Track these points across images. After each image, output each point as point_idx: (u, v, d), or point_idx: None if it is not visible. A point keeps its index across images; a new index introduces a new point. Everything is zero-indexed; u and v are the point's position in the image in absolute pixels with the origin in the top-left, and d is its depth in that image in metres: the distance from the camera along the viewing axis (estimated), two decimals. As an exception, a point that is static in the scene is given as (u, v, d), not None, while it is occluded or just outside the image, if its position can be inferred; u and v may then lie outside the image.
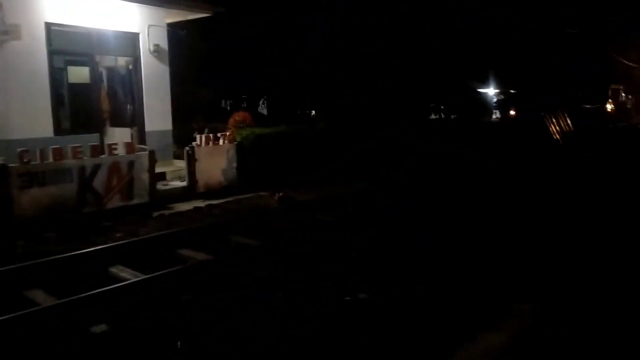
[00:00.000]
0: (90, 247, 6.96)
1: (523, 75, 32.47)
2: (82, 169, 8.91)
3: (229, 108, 26.54)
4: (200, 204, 10.22)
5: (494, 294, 5.30)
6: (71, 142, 9.30)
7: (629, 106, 50.05)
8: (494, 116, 36.09)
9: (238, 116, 14.30)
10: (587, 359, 4.14)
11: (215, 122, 15.05)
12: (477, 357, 4.17)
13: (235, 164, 11.77)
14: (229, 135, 12.06)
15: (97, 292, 5.37)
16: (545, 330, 4.55)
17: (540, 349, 4.25)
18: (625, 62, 36.57)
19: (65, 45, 11.20)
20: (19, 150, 8.41)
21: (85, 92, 11.63)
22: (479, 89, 35.90)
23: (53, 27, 10.70)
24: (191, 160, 10.95)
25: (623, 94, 51.46)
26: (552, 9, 29.25)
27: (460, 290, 5.42)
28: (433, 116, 34.42)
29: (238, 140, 12.18)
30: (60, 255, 6.58)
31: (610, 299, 5.01)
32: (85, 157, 9.04)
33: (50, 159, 8.62)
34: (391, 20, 22.85)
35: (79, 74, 11.82)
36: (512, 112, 33.42)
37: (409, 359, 4.24)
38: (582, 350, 4.21)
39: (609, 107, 44.85)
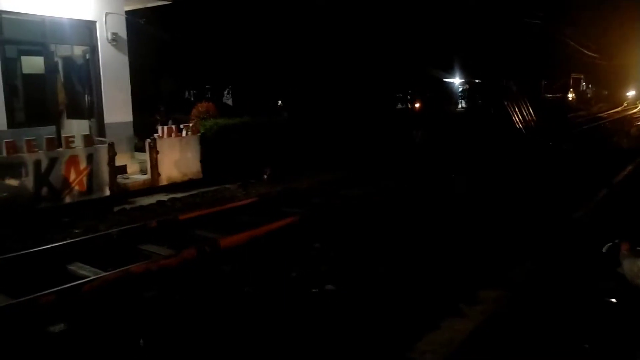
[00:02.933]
0: (47, 244, 6.74)
1: (487, 64, 32.89)
2: (37, 163, 8.63)
3: (192, 98, 26.12)
4: (163, 197, 10.01)
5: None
6: (26, 135, 8.99)
7: (589, 95, 51.68)
8: (459, 106, 36.49)
9: (201, 107, 14.06)
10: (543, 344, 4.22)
11: (178, 113, 14.75)
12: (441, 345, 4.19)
13: (198, 156, 11.56)
14: (192, 126, 11.82)
15: (54, 291, 5.20)
16: (507, 316, 4.63)
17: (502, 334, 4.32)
18: (586, 52, 37.51)
19: (18, 34, 10.76)
20: (-30, 144, 8.09)
21: (40, 82, 11.20)
22: (445, 78, 36.19)
23: (4, 15, 10.23)
24: (153, 153, 10.71)
25: (584, 84, 53.00)
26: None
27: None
28: (399, 106, 34.55)
29: (201, 131, 11.96)
30: (16, 253, 6.37)
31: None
32: (40, 151, 8.74)
33: (4, 153, 8.33)
34: (356, 7, 22.78)
35: (33, 64, 11.39)
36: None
37: (369, 351, 4.24)
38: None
39: (570, 96, 46.07)
